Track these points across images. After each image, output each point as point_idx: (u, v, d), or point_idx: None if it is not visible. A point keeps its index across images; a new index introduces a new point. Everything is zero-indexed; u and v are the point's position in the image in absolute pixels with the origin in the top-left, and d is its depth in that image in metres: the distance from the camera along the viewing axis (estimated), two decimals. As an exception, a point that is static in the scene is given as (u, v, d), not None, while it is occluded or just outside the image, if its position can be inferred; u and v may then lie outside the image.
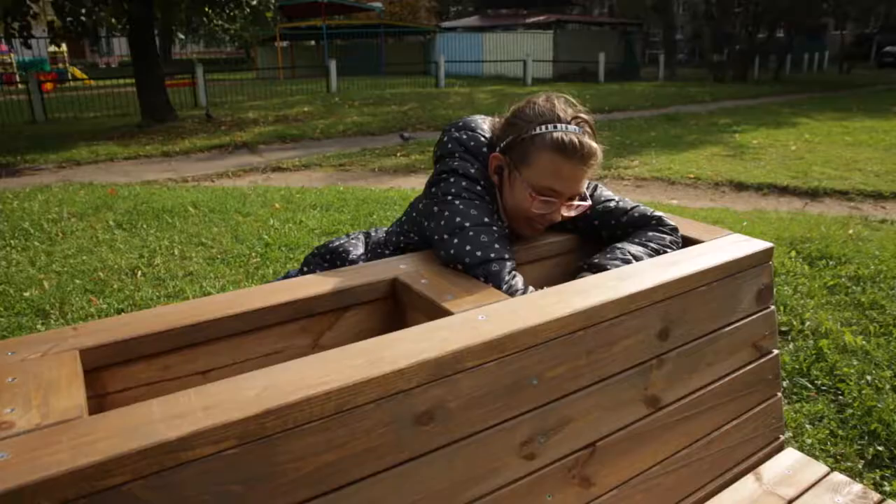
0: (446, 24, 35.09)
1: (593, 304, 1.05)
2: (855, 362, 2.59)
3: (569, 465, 1.04)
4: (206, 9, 9.49)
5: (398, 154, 8.62)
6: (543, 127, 1.31)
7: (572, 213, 1.36)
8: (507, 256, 1.21)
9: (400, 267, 1.23)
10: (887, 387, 2.42)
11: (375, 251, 1.44)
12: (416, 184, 6.84)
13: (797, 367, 2.59)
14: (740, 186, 6.63)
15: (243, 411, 0.74)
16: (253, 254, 3.97)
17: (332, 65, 16.41)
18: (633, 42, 29.58)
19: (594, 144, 1.32)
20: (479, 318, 0.98)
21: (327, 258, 1.48)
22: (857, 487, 1.27)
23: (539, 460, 1.00)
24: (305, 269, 1.50)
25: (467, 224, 1.23)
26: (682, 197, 6.36)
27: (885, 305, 3.09)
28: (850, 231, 4.43)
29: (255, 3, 9.85)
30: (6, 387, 0.82)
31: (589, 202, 1.38)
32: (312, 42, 32.37)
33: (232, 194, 5.64)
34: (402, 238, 1.40)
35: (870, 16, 29.31)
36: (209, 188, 6.25)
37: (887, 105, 15.12)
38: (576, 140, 1.29)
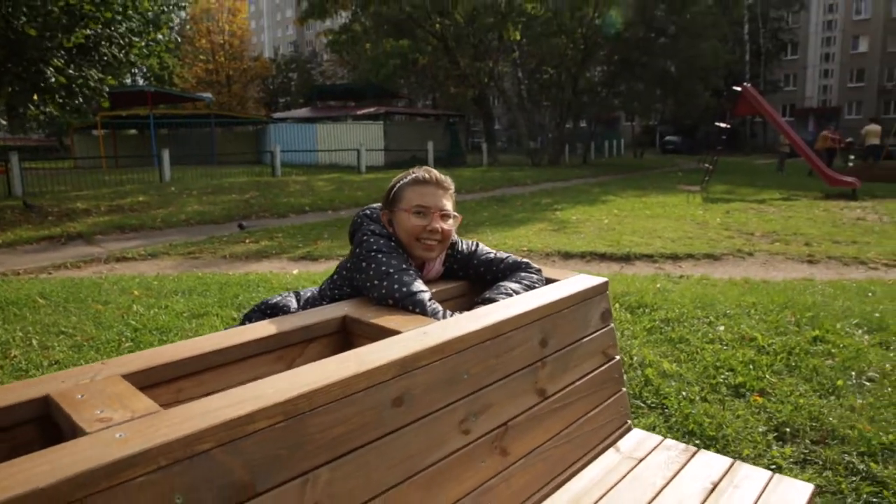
0: (278, 114, 35.60)
1: (496, 321, 1.46)
2: (673, 383, 3.23)
3: (492, 438, 1.40)
4: (34, 96, 9.07)
5: (247, 241, 8.69)
6: (403, 179, 1.80)
7: (449, 226, 1.77)
8: (424, 289, 1.59)
9: (344, 308, 1.56)
10: (697, 398, 3.05)
11: (314, 304, 1.75)
12: (270, 268, 6.98)
13: (631, 391, 3.17)
14: (567, 255, 7.55)
15: (284, 395, 1.04)
16: (123, 339, 3.95)
17: (166, 154, 16.07)
18: (456, 131, 31.94)
19: (442, 175, 1.79)
20: (424, 334, 1.35)
21: (268, 313, 1.76)
22: (682, 445, 1.77)
23: (473, 435, 1.36)
24: (247, 322, 1.76)
25: (391, 270, 1.61)
26: (520, 266, 7.11)
27: (689, 339, 3.83)
28: (658, 285, 5.33)
29: (88, 92, 9.59)
30: (81, 401, 1.04)
31: (460, 217, 1.81)
32: (134, 131, 31.23)
33: (83, 284, 5.46)
34: (336, 292, 1.73)
35: (651, 111, 34.33)
36: (55, 279, 5.95)
37: (673, 184, 17.76)
38: (425, 173, 1.79)
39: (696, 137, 42.44)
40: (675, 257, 7.33)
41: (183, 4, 11.79)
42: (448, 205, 1.78)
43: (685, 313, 4.33)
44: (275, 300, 1.80)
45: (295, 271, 6.48)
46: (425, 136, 27.47)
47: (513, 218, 10.86)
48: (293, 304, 1.79)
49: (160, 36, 11.15)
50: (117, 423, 0.96)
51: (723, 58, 28.62)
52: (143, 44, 10.23)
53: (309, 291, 1.87)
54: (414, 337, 1.32)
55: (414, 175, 1.78)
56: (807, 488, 1.56)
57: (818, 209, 11.90)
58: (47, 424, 1.07)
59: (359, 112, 30.51)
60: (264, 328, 1.42)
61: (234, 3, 49.23)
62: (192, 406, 0.99)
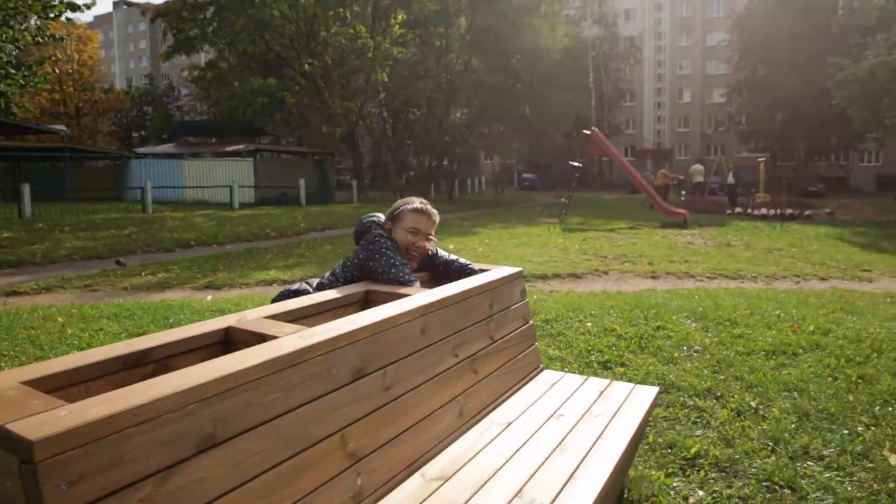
0: (142, 149, 34.23)
1: (466, 289, 2.28)
2: (558, 363, 4.18)
3: (468, 362, 2.21)
4: None
5: (143, 273, 8.83)
6: (406, 205, 2.57)
7: (431, 245, 2.58)
8: (416, 277, 2.38)
9: (366, 286, 2.32)
10: (577, 372, 4.02)
11: (330, 286, 2.46)
12: (176, 296, 7.28)
13: (527, 369, 4.07)
14: (452, 278, 8.49)
15: (369, 321, 1.79)
16: (73, 356, 4.28)
17: (26, 189, 15.31)
18: (325, 169, 32.42)
19: (433, 209, 2.60)
20: (427, 295, 2.14)
21: (292, 297, 2.45)
22: (577, 375, 2.66)
23: (458, 358, 2.15)
24: (279, 304, 2.43)
25: (397, 262, 2.38)
26: (413, 289, 7.94)
27: (566, 333, 4.84)
28: (535, 297, 6.37)
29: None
30: (255, 326, 1.73)
31: (437, 240, 2.62)
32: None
33: (-2, 315, 5.57)
34: (348, 275, 2.46)
35: (510, 151, 37.00)
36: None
37: (534, 217, 19.52)
38: (421, 206, 2.58)
39: (550, 175, 45.97)
40: (544, 277, 8.50)
41: (60, 37, 11.62)
42: (432, 231, 2.59)
43: (560, 315, 5.36)
44: (295, 287, 2.49)
45: (209, 297, 6.87)
46: (295, 174, 27.68)
47: (396, 248, 11.68)
48: (310, 290, 2.49)
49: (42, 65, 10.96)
50: (291, 333, 1.67)
51: (572, 104, 31.60)
52: (20, 76, 10.07)
53: (317, 280, 2.58)
54: (424, 296, 2.11)
55: (415, 205, 2.57)
56: (654, 390, 2.51)
57: (657, 236, 13.83)
58: (224, 346, 1.74)
59: (227, 148, 30.14)
60: (324, 296, 2.14)
61: (84, 30, 46.82)
62: (328, 324, 1.72)
